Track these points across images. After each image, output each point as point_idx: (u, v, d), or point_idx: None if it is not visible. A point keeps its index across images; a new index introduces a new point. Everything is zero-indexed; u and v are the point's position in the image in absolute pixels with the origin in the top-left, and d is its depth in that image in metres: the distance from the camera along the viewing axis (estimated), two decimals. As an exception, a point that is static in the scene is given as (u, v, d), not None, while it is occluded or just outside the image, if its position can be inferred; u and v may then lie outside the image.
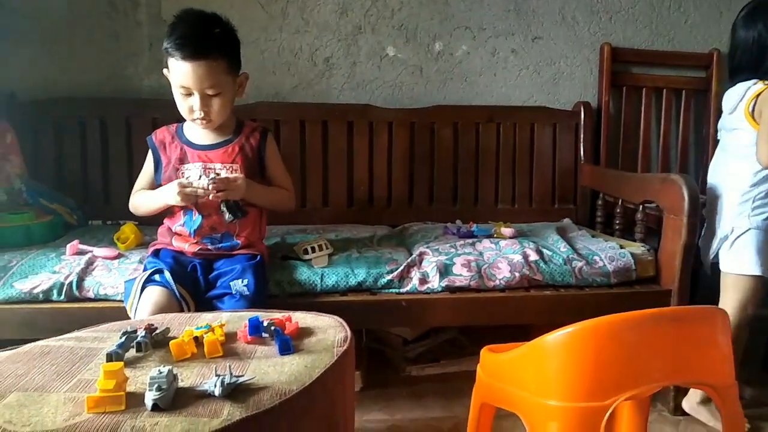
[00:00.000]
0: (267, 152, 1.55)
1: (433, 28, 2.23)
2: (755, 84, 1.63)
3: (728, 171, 1.69)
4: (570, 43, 2.31)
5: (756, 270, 1.62)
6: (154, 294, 1.31)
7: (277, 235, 1.83)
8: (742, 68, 1.68)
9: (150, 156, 1.54)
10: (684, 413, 1.69)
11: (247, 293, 1.36)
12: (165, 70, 1.44)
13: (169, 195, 1.41)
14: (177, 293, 1.32)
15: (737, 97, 1.67)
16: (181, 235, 1.48)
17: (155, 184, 1.53)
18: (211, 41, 1.39)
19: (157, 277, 1.36)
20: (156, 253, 1.47)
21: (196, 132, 1.51)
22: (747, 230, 1.62)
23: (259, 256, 1.48)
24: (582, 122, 2.24)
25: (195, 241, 1.47)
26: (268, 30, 2.15)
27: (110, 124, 2.02)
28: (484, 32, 2.26)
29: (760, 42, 1.63)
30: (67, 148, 1.99)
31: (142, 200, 1.52)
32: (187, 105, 1.42)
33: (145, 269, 1.41)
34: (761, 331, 1.97)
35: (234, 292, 1.36)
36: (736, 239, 1.64)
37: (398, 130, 2.15)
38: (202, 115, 1.42)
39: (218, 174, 1.42)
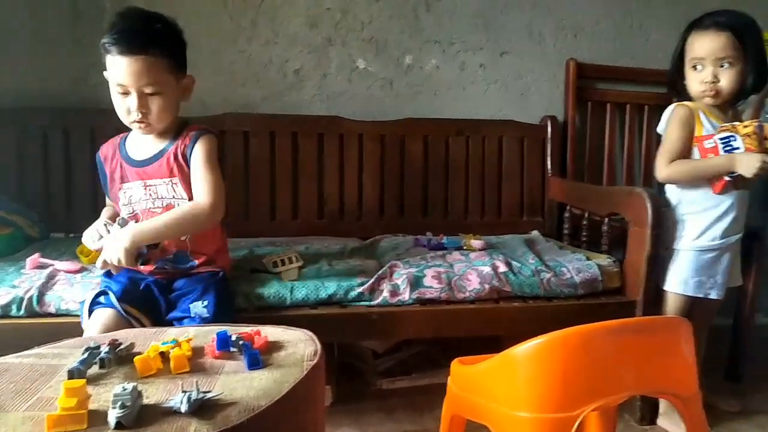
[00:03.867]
0: (193, 154, 1.37)
1: (403, 42, 2.25)
2: (672, 106, 1.70)
3: (665, 190, 1.75)
4: (537, 59, 2.35)
5: (677, 288, 1.67)
6: (102, 316, 1.27)
7: (245, 248, 1.81)
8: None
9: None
10: (651, 422, 1.72)
11: (207, 315, 1.30)
12: (105, 72, 1.35)
13: None
14: (123, 314, 1.27)
15: (662, 122, 1.74)
16: None
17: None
18: (150, 36, 1.30)
19: (102, 299, 1.30)
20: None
21: (136, 144, 1.43)
22: (675, 249, 1.68)
23: (221, 273, 1.43)
24: (549, 136, 2.28)
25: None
26: (237, 41, 2.14)
27: (73, 134, 1.98)
28: (453, 47, 2.29)
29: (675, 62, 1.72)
30: (28, 158, 1.94)
31: None
32: (125, 106, 1.33)
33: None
34: (722, 341, 2.02)
35: (193, 315, 1.31)
36: (668, 256, 1.69)
37: (368, 143, 2.16)
38: (140, 116, 1.32)
39: (124, 220, 1.34)
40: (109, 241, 1.27)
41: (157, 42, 1.31)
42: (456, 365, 1.20)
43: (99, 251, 1.30)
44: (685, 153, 1.64)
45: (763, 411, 1.82)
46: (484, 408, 1.08)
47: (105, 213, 1.47)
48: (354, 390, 1.88)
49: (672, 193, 1.71)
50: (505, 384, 1.03)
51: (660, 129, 1.76)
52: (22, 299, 1.39)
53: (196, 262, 1.42)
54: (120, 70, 1.29)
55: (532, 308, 1.62)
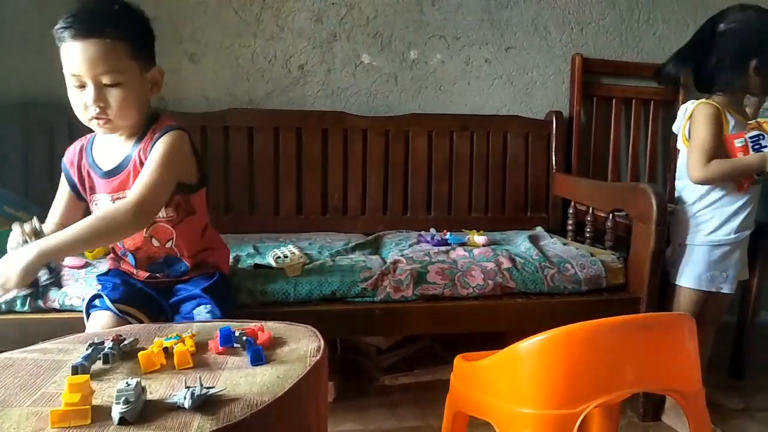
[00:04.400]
0: (151, 152, 1.20)
1: (407, 37, 2.24)
2: (692, 104, 1.69)
3: (678, 187, 1.76)
4: (542, 54, 2.34)
5: (691, 283, 1.67)
6: (100, 319, 1.23)
7: (249, 243, 1.81)
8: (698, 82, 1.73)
9: (63, 181, 1.33)
10: (654, 419, 1.72)
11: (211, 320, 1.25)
12: (64, 70, 1.19)
13: None
14: (119, 315, 1.23)
15: (679, 119, 1.74)
16: (127, 262, 1.36)
17: (78, 207, 1.33)
18: (106, 16, 1.15)
19: (97, 302, 1.26)
20: (108, 270, 1.38)
21: (102, 147, 1.29)
22: (689, 245, 1.68)
23: (217, 274, 1.35)
24: (554, 131, 2.27)
25: (141, 270, 1.34)
26: (243, 36, 2.14)
27: (79, 129, 1.97)
28: (459, 41, 2.28)
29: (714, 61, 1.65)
30: (34, 153, 1.95)
31: None
32: (81, 101, 1.17)
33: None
34: (726, 338, 2.02)
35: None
36: (680, 251, 1.70)
37: (373, 138, 2.15)
38: (98, 111, 1.16)
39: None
40: (8, 255, 1.07)
41: (115, 23, 1.15)
42: (459, 361, 1.20)
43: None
44: (718, 152, 1.62)
45: (767, 408, 1.82)
46: (487, 404, 1.08)
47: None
48: (357, 386, 1.89)
49: (689, 189, 1.70)
50: (509, 380, 1.03)
51: (676, 128, 1.76)
52: (26, 295, 1.39)
53: (188, 264, 1.34)
54: (73, 58, 1.13)
55: (535, 304, 1.62)
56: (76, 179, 1.31)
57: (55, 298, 1.41)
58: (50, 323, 1.38)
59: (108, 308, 1.24)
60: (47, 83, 2.00)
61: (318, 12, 2.17)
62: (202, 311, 1.25)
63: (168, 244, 1.31)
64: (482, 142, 2.24)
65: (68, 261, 1.52)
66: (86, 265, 1.54)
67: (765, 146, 1.57)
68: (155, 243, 1.31)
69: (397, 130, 2.17)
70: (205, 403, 0.76)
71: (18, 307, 1.39)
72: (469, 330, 1.64)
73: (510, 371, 1.03)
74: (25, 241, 1.12)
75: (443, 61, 2.28)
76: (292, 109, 2.16)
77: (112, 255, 1.40)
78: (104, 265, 1.52)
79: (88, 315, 1.28)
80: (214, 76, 2.14)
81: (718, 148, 1.62)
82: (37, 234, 1.14)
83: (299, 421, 0.87)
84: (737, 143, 1.60)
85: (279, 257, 1.59)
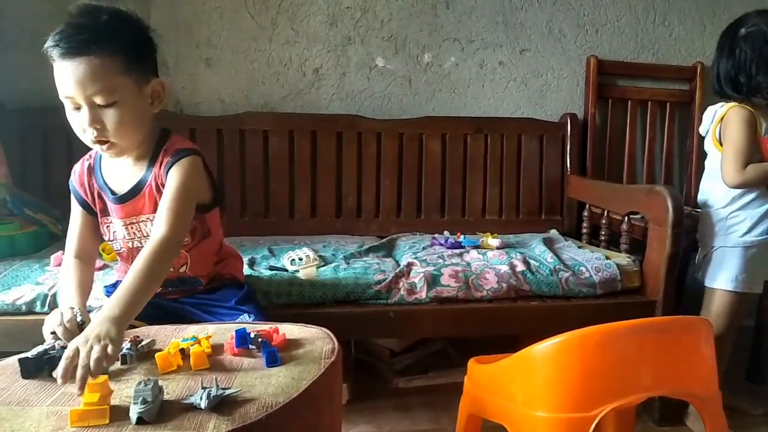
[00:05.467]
0: (166, 182, 1.15)
1: (422, 40, 2.25)
2: (721, 107, 1.67)
3: (706, 189, 1.74)
4: (557, 56, 2.33)
5: (728, 285, 1.66)
6: None
7: (264, 246, 1.83)
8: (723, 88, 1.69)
9: (74, 203, 1.25)
10: (670, 424, 1.70)
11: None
12: None
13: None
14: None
15: (707, 121, 1.72)
16: None
17: (95, 226, 1.25)
18: (94, 31, 1.06)
19: None
20: (116, 282, 1.31)
21: (112, 169, 1.22)
22: (721, 247, 1.67)
23: (245, 287, 1.34)
24: (568, 134, 2.26)
25: None
26: (258, 40, 2.16)
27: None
28: (473, 44, 2.28)
29: (737, 64, 1.63)
30: (53, 157, 1.98)
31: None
32: (79, 124, 1.10)
33: None
34: (743, 341, 1.99)
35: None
36: (713, 255, 1.69)
37: (387, 141, 2.16)
38: (95, 134, 1.09)
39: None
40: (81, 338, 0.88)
41: (104, 38, 1.06)
42: (473, 364, 1.20)
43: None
44: (753, 156, 1.61)
45: (786, 414, 1.79)
46: (500, 407, 1.08)
47: (71, 291, 1.11)
48: (370, 388, 1.89)
49: (720, 192, 1.68)
50: (523, 383, 1.03)
51: (703, 130, 1.74)
52: (46, 296, 1.41)
53: (203, 282, 1.31)
54: (64, 80, 1.07)
55: (550, 307, 1.61)
56: (86, 199, 1.24)
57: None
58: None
59: None
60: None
61: (333, 16, 2.19)
62: (246, 319, 1.22)
63: (182, 269, 1.27)
64: (496, 145, 2.23)
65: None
66: (104, 267, 1.56)
67: None
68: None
69: (411, 133, 2.18)
70: (221, 404, 0.77)
71: (38, 308, 1.41)
72: (483, 333, 1.64)
73: (524, 374, 1.03)
74: (54, 333, 0.97)
75: (457, 63, 2.28)
76: (306, 112, 2.17)
77: (120, 266, 1.33)
78: (112, 277, 1.47)
79: None
80: (230, 80, 2.16)
81: (753, 152, 1.60)
82: (80, 326, 0.97)
83: (313, 422, 0.87)
84: None
85: (293, 260, 1.60)
